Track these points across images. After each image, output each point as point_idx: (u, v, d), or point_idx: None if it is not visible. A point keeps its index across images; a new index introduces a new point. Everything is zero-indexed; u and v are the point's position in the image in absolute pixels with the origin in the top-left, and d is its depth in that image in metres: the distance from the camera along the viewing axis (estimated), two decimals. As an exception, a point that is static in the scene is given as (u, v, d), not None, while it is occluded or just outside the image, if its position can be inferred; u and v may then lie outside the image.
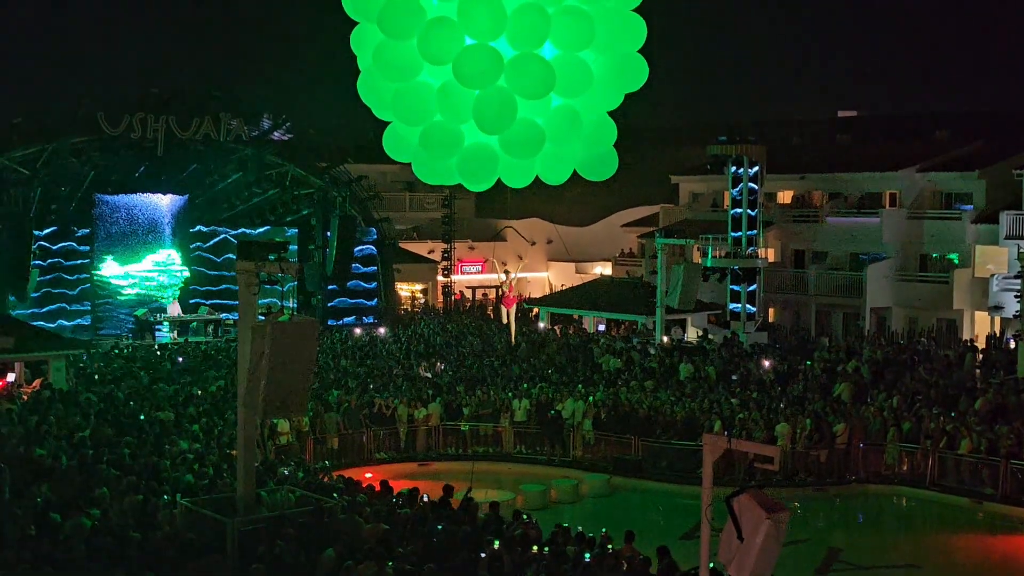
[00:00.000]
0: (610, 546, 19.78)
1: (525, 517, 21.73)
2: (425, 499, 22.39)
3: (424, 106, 14.08)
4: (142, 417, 29.14)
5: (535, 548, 18.89)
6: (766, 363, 39.16)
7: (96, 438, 26.11)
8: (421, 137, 14.16)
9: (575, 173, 14.96)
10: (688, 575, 17.39)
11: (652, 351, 42.05)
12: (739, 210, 47.61)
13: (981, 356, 40.99)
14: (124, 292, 47.37)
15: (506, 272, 35.09)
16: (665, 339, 44.06)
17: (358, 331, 47.30)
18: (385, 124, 14.93)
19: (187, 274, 49.04)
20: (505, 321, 34.14)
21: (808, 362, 39.26)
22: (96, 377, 35.68)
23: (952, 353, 41.02)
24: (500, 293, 34.34)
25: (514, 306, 34.03)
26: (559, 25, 13.82)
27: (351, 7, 14.32)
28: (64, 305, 47.17)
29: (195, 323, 46.56)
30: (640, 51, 14.65)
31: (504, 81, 13.64)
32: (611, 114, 14.92)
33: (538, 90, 13.84)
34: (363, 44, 14.61)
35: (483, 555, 17.57)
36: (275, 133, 47.87)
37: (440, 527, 19.72)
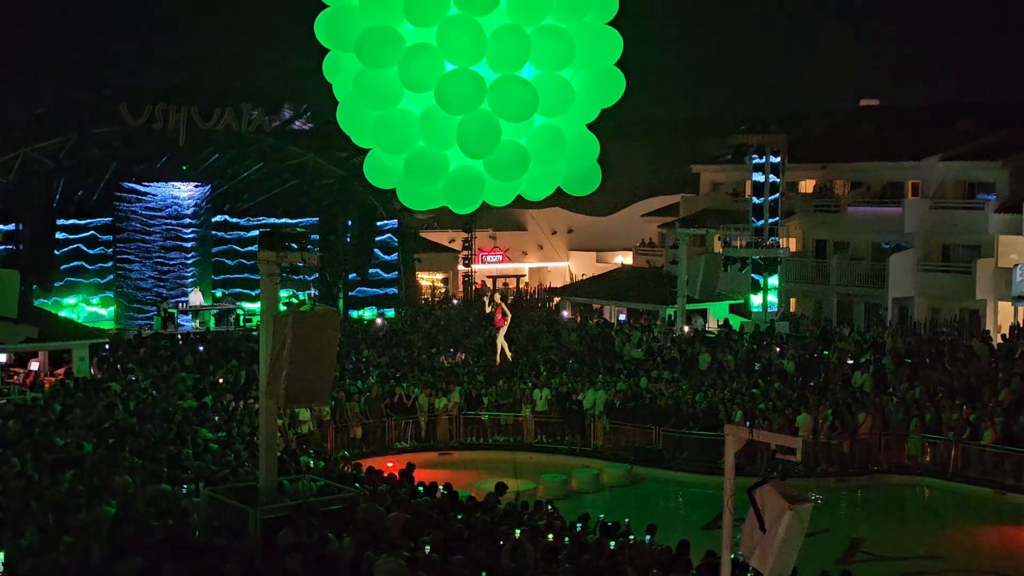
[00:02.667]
0: (632, 536, 19.80)
1: (550, 507, 21.76)
2: (442, 489, 22.43)
3: (407, 133, 13.95)
4: (164, 406, 29.29)
5: (552, 536, 18.92)
6: (777, 349, 39.14)
7: (119, 427, 26.25)
8: (406, 164, 14.04)
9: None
10: (710, 562, 17.39)
11: (669, 342, 41.91)
12: (760, 199, 47.47)
13: (997, 346, 40.71)
14: (146, 281, 47.54)
15: (492, 295, 35.02)
16: (686, 328, 44.00)
17: (379, 321, 47.39)
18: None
19: (209, 264, 49.18)
20: (495, 341, 34.10)
21: (825, 352, 39.13)
22: (119, 366, 35.84)
23: (975, 343, 40.83)
24: (490, 314, 34.11)
25: (503, 327, 33.93)
26: (539, 45, 13.70)
27: (325, 37, 14.21)
28: (87, 295, 47.40)
29: (216, 312, 46.70)
30: (616, 63, 14.62)
31: (487, 105, 13.52)
32: (590, 127, 14.87)
33: (522, 112, 13.70)
34: (338, 73, 14.50)
35: (505, 544, 17.59)
36: (296, 123, 47.94)
37: (460, 517, 19.78)
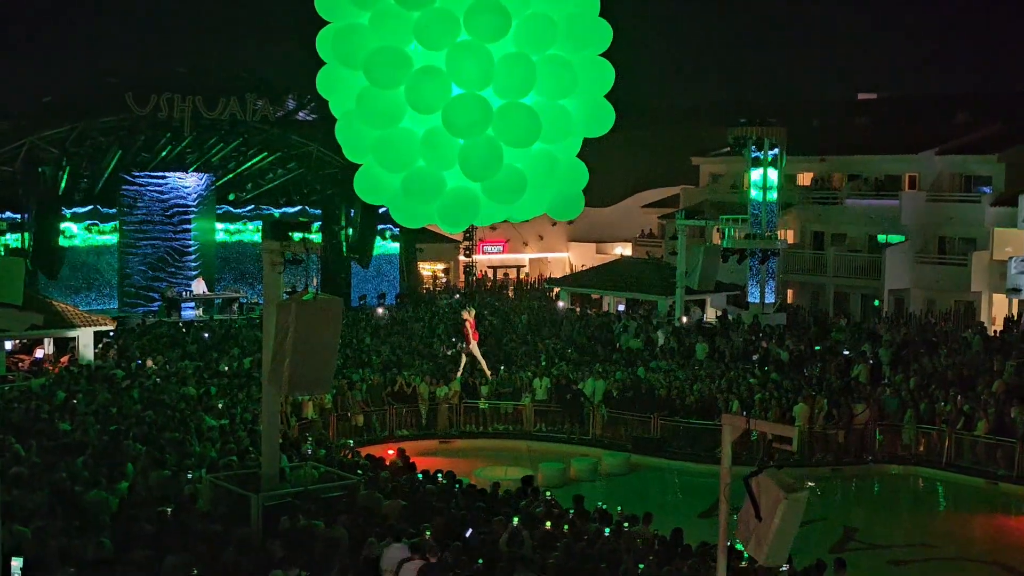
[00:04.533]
0: (626, 525, 19.82)
1: (548, 495, 21.79)
2: (442, 477, 22.47)
3: (407, 152, 13.93)
4: (168, 393, 29.32)
5: (549, 524, 18.96)
6: (764, 344, 39.14)
7: (123, 413, 26.29)
8: (403, 183, 14.01)
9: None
10: (705, 550, 17.43)
11: (666, 333, 41.89)
12: (759, 191, 47.45)
13: (991, 339, 40.72)
14: (150, 269, 47.56)
15: (468, 305, 34.74)
16: (684, 319, 44.01)
17: (380, 310, 47.43)
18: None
19: (212, 252, 49.19)
20: (478, 355, 33.77)
21: (817, 347, 39.10)
22: (123, 353, 35.86)
23: (969, 335, 40.86)
24: (464, 324, 33.52)
25: (477, 339, 33.68)
26: (544, 74, 13.74)
27: (331, 52, 14.16)
28: (92, 282, 47.43)
29: (219, 300, 46.73)
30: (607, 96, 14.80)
31: (492, 130, 13.52)
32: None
33: (526, 139, 13.73)
34: (336, 89, 14.48)
35: (503, 531, 17.63)
36: (300, 113, 47.94)
37: (455, 503, 19.82)
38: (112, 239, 47.64)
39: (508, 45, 13.70)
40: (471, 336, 32.53)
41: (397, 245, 52.65)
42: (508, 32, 13.51)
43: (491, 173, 13.71)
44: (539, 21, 13.80)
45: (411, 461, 24.51)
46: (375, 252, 50.75)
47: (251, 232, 50.13)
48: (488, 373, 33.57)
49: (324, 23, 14.42)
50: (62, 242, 44.99)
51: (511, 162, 13.82)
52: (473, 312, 33.66)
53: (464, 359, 33.14)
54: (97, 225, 47.43)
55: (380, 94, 13.76)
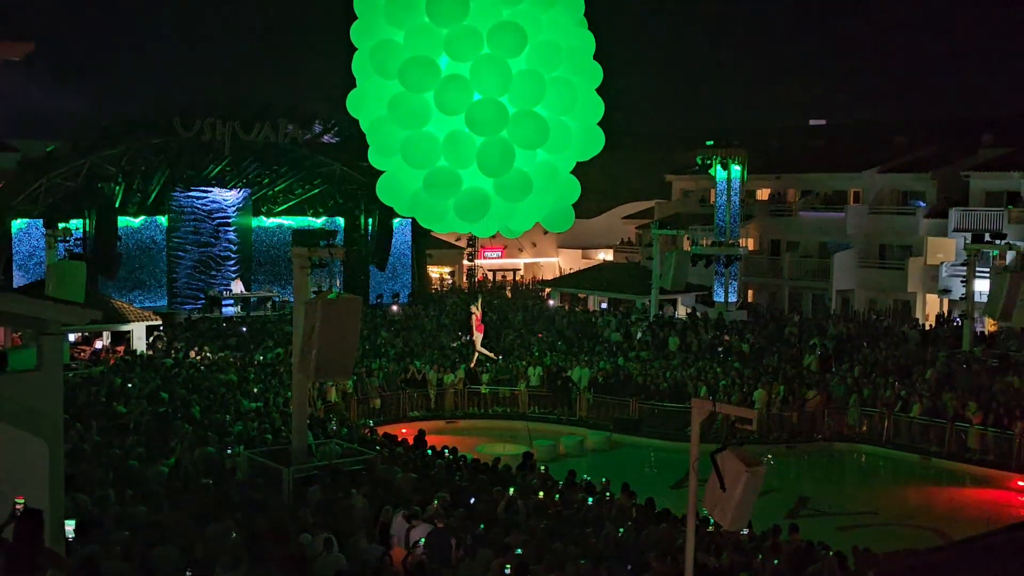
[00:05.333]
0: (608, 493, 19.83)
1: (542, 468, 21.78)
2: (447, 452, 22.43)
3: (430, 152, 14.08)
4: (211, 379, 29.28)
5: (542, 494, 18.96)
6: (726, 338, 39.11)
7: (171, 397, 26.26)
8: (426, 179, 14.15)
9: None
10: (675, 518, 17.43)
11: (642, 327, 41.86)
12: (723, 205, 47.45)
13: (925, 333, 40.72)
14: (195, 272, 47.47)
15: (475, 304, 34.73)
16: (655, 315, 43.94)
17: (395, 308, 47.37)
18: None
19: (249, 257, 49.11)
20: (480, 347, 33.80)
21: (778, 336, 39.06)
22: (171, 345, 35.83)
23: (906, 329, 40.85)
24: (472, 317, 33.69)
25: (482, 332, 33.67)
26: (551, 90, 13.95)
27: (369, 66, 14.29)
28: (145, 282, 47.31)
29: (255, 299, 46.66)
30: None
31: (507, 132, 13.68)
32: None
33: (536, 141, 13.91)
34: (366, 102, 14.65)
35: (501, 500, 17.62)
36: (325, 136, 47.80)
37: (458, 476, 19.81)
38: (161, 245, 47.53)
39: (522, 63, 13.90)
40: (476, 328, 32.64)
41: (409, 251, 52.54)
42: (524, 50, 13.71)
43: (504, 170, 13.84)
44: (549, 47, 14.01)
45: (425, 439, 24.35)
46: (390, 256, 50.63)
47: (283, 240, 49.98)
48: (492, 355, 33.67)
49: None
50: (118, 247, 44.83)
51: (520, 165, 13.97)
52: (480, 307, 33.74)
53: (488, 353, 33.46)
54: (149, 232, 47.30)
55: (411, 98, 13.87)
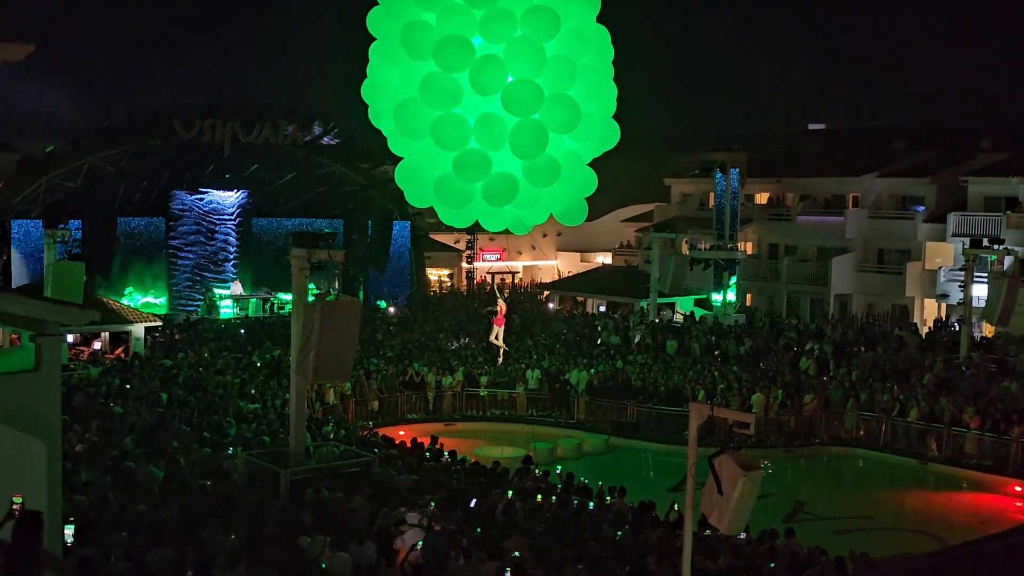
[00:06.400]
0: (609, 498, 19.79)
1: (537, 471, 21.75)
2: (445, 455, 22.40)
3: (461, 133, 14.01)
4: (209, 381, 29.24)
5: (539, 497, 18.95)
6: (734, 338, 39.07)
7: (169, 399, 26.23)
8: (456, 160, 14.09)
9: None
10: (674, 523, 17.43)
11: (640, 331, 41.82)
12: (723, 209, 47.45)
13: (924, 337, 40.76)
14: (194, 273, 47.45)
15: (501, 293, 34.77)
16: (655, 320, 43.93)
17: (392, 310, 47.34)
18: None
19: (248, 258, 49.08)
20: (493, 338, 33.90)
21: (776, 340, 39.04)
22: (170, 346, 35.78)
23: (904, 334, 40.88)
24: (492, 314, 33.84)
25: (502, 326, 33.75)
26: (582, 76, 13.92)
27: (399, 46, 14.20)
28: (143, 283, 47.27)
29: (254, 301, 46.62)
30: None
31: (540, 115, 13.63)
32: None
33: (568, 125, 13.85)
34: (387, 89, 14.60)
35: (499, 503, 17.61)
36: (325, 138, 47.80)
37: (456, 479, 19.78)
38: (160, 246, 47.47)
39: (553, 47, 13.90)
40: (498, 321, 32.79)
41: (408, 254, 52.49)
42: (558, 33, 13.70)
43: (537, 153, 13.79)
44: (578, 34, 14.04)
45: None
46: (389, 259, 50.59)
47: (282, 241, 49.91)
48: (503, 349, 33.84)
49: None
50: (116, 248, 44.76)
51: (549, 150, 13.98)
52: (504, 302, 33.83)
53: (501, 346, 33.55)
54: (148, 234, 47.26)
55: (444, 77, 13.80)
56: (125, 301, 41.48)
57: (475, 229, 59.51)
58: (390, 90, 14.67)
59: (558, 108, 13.81)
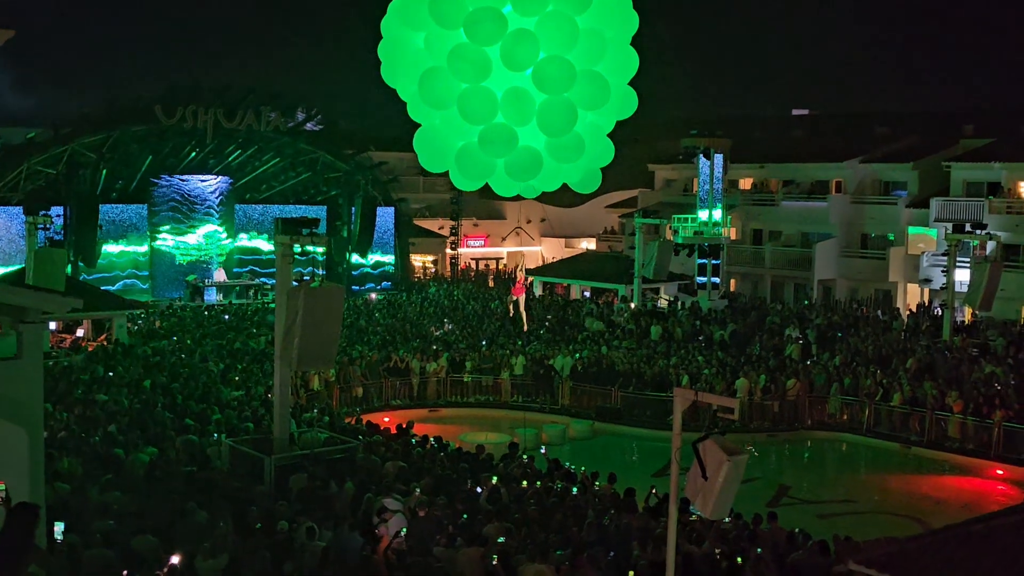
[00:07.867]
0: (597, 484, 19.78)
1: (525, 457, 21.75)
2: (432, 442, 22.37)
3: (488, 107, 13.76)
4: (193, 368, 29.15)
5: (524, 483, 18.95)
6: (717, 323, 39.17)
7: (153, 385, 26.13)
8: (481, 135, 13.85)
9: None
10: (660, 506, 17.46)
11: (625, 315, 41.85)
12: (706, 194, 47.50)
13: (907, 322, 40.96)
14: (177, 260, 47.30)
15: (520, 266, 34.78)
16: (640, 305, 43.94)
17: (374, 296, 47.28)
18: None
19: (231, 245, 48.95)
20: (511, 310, 33.82)
21: (760, 326, 39.13)
22: (152, 333, 35.64)
23: (888, 318, 41.02)
24: (512, 281, 33.71)
25: (522, 295, 33.53)
26: (610, 50, 13.69)
27: (428, 14, 13.89)
28: (125, 270, 47.07)
29: (237, 287, 46.50)
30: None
31: (571, 93, 13.43)
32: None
33: (598, 102, 13.64)
34: (408, 56, 14.28)
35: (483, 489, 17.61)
36: (308, 124, 47.66)
37: (441, 465, 19.75)
38: (143, 232, 47.27)
39: (585, 20, 13.65)
40: (517, 290, 32.71)
41: (392, 240, 52.40)
42: (590, 7, 13.46)
43: (565, 131, 13.58)
44: (607, 5, 13.80)
45: (403, 427, 24.17)
46: (373, 245, 50.50)
47: (265, 228, 49.79)
48: (525, 324, 33.76)
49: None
50: (99, 235, 44.56)
51: (576, 127, 13.83)
52: (524, 272, 33.84)
53: (524, 319, 33.44)
54: (130, 220, 47.03)
55: (475, 50, 13.57)
56: (107, 288, 41.26)
57: (460, 209, 59.44)
58: (411, 54, 14.27)
59: (588, 86, 13.55)
